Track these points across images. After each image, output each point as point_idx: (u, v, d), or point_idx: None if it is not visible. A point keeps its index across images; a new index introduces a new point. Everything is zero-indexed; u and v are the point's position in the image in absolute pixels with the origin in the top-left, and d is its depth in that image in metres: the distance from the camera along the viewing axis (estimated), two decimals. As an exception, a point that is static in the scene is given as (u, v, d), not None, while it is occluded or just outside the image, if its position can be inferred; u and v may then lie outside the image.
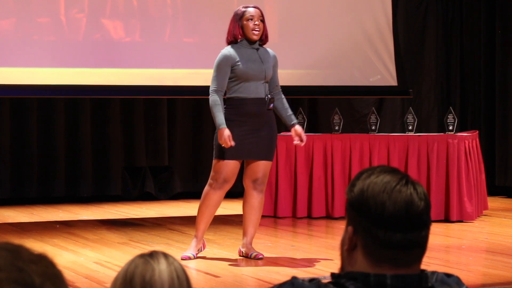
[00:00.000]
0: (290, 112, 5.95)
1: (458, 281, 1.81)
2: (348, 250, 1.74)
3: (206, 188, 5.86)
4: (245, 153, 5.80)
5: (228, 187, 5.84)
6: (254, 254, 5.88)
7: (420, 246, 1.72)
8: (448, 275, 1.81)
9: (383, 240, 1.69)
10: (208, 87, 5.82)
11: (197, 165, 10.04)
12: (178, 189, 10.00)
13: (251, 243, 5.94)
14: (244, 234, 5.95)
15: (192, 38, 8.37)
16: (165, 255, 1.94)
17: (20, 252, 1.26)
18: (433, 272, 1.79)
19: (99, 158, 9.69)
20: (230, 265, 5.74)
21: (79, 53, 7.94)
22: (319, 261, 5.78)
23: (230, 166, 5.78)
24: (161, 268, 1.90)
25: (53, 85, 7.84)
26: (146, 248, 5.95)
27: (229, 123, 5.68)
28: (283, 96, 5.98)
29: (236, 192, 7.63)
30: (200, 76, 8.04)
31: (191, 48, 8.31)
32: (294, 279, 1.73)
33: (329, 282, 1.73)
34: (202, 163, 9.98)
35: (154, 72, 8.18)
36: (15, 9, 7.81)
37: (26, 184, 9.41)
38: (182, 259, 5.75)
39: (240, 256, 5.98)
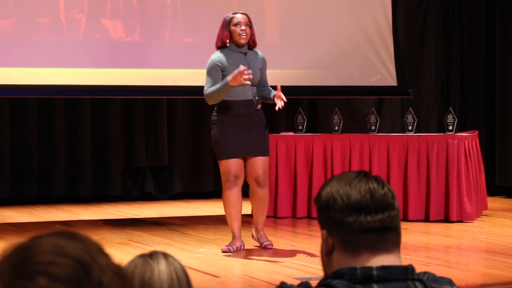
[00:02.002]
0: (269, 91, 6.18)
1: (450, 281, 1.85)
2: (327, 253, 1.79)
3: (223, 191, 6.21)
4: (242, 150, 6.12)
5: (240, 182, 6.19)
6: (265, 243, 6.29)
7: (392, 229, 1.78)
8: (440, 277, 1.84)
9: (355, 226, 1.76)
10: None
11: (197, 165, 10.04)
12: (178, 189, 10.00)
13: (263, 229, 6.36)
14: (256, 223, 6.36)
15: (192, 38, 8.37)
16: (165, 255, 1.94)
17: (90, 266, 1.17)
18: (425, 272, 1.84)
19: (99, 158, 9.69)
20: (230, 265, 5.74)
21: (79, 53, 7.93)
22: (318, 261, 5.78)
23: (234, 163, 6.12)
24: (161, 268, 1.90)
25: (53, 85, 7.84)
26: (146, 248, 5.95)
27: (220, 124, 6.08)
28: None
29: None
30: (200, 76, 7.98)
31: (191, 48, 8.30)
32: (282, 284, 1.77)
33: (317, 284, 1.75)
34: (202, 163, 9.98)
35: (154, 72, 8.17)
36: (15, 9, 7.81)
37: (26, 184, 9.41)
38: (222, 251, 6.14)
39: (252, 238, 6.38)
